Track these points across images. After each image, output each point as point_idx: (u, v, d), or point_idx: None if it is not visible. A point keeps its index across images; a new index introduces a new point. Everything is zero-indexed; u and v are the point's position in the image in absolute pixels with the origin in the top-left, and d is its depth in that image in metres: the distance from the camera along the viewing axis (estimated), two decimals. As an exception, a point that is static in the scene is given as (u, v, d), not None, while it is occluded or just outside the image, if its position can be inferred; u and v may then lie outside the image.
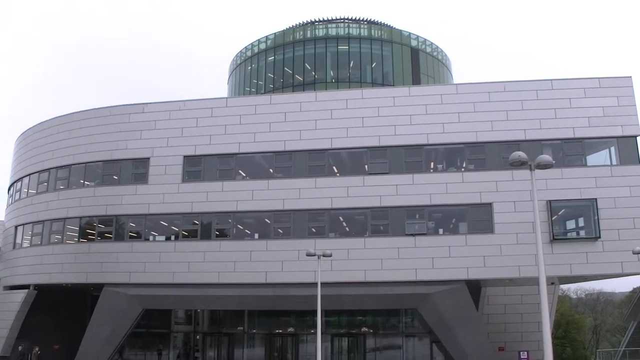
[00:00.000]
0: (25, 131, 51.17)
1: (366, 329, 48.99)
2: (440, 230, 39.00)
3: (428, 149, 39.80)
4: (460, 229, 39.00)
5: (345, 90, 44.96)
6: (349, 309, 44.80)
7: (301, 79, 58.48)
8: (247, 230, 41.39)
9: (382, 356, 48.19)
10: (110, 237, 42.70)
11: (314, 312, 28.56)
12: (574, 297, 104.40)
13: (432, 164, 40.76)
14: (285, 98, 42.70)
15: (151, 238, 42.12)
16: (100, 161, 43.73)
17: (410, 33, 61.02)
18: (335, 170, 40.84)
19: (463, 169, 39.76)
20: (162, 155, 41.80)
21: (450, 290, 37.12)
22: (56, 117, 47.49)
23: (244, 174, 41.65)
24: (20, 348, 45.57)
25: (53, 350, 46.61)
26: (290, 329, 49.09)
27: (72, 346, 42.63)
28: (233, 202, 40.16)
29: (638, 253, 31.02)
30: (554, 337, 70.22)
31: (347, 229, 40.50)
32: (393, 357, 48.19)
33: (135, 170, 42.52)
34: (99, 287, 41.85)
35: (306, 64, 58.83)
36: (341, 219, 40.32)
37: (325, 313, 44.56)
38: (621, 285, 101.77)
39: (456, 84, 45.22)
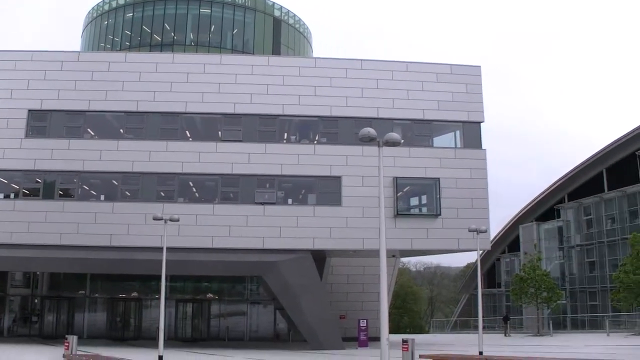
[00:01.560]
0: None
1: (211, 296, 49.12)
2: (290, 201, 39.60)
3: (282, 119, 40.17)
4: (309, 200, 39.81)
5: (203, 55, 44.45)
6: (195, 275, 44.70)
7: (159, 39, 56.97)
8: (93, 191, 40.07)
9: (227, 322, 48.57)
10: (-60, 192, 39.88)
11: (159, 277, 28.21)
12: (414, 270, 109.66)
13: (285, 134, 41.18)
14: (141, 57, 41.51)
15: (-12, 195, 39.82)
16: None
17: (274, 3, 60.97)
18: (188, 135, 40.34)
19: (315, 142, 40.50)
20: (4, 107, 39.25)
21: (295, 260, 37.82)
22: None
23: (92, 133, 40.18)
24: None
25: None
26: (134, 294, 48.25)
27: None
28: (79, 162, 38.50)
29: (474, 231, 32.91)
30: (393, 306, 73.61)
31: (196, 194, 40.22)
32: (237, 324, 48.72)
33: (-26, 122, 39.84)
34: None
35: (166, 24, 57.36)
36: (191, 184, 39.96)
37: (171, 278, 44.21)
38: (457, 261, 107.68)
39: (315, 58, 45.81)
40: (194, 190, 40.21)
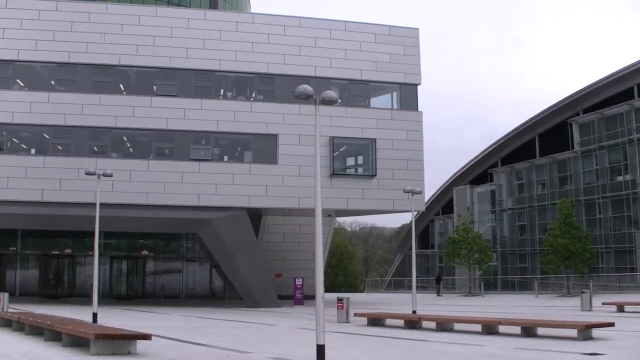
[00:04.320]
0: None
1: (146, 253, 48.67)
2: (225, 158, 39.35)
3: (219, 75, 39.68)
4: (245, 157, 39.63)
5: (138, 6, 43.09)
6: (130, 231, 44.13)
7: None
8: (23, 145, 38.89)
9: (162, 280, 48.29)
10: None
11: (93, 234, 27.66)
12: (349, 230, 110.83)
13: (222, 90, 40.67)
14: (72, 6, 39.79)
15: None
16: None
17: (212, -45, 59.53)
18: (122, 88, 39.39)
19: (252, 99, 40.13)
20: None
21: (231, 217, 37.71)
22: None
23: (22, 84, 38.84)
24: None
25: None
26: (68, 251, 47.40)
27: None
28: (8, 114, 37.16)
29: (409, 192, 33.29)
30: (329, 266, 74.47)
31: (131, 150, 39.48)
32: (172, 281, 48.50)
33: None
34: None
35: (99, -26, 55.40)
36: (125, 139, 39.19)
37: (105, 235, 43.44)
38: (392, 221, 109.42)
39: (253, 14, 45.15)
40: (128, 145, 39.47)
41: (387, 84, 41.40)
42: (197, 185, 37.44)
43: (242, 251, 38.07)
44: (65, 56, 37.97)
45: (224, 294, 46.68)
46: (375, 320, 26.53)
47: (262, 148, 39.08)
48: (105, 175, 27.44)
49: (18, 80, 38.78)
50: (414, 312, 29.96)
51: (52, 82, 38.77)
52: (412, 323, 24.96)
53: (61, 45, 37.86)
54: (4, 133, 37.86)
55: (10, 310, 24.88)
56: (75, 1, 39.18)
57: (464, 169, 77.71)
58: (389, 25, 41.90)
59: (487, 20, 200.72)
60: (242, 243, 38.05)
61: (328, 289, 45.06)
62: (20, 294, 42.82)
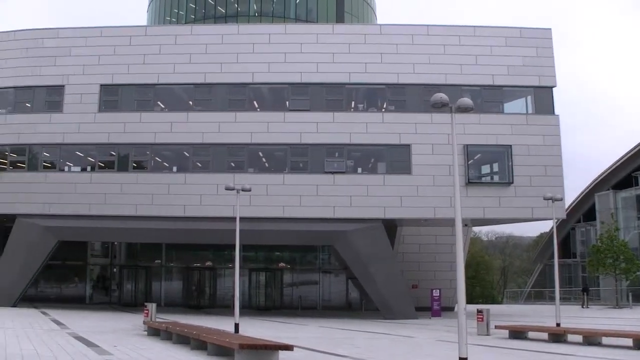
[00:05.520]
0: None
1: (283, 265, 49.59)
2: (359, 169, 39.44)
3: (349, 87, 39.92)
4: (379, 168, 39.57)
5: (268, 25, 44.37)
6: (267, 244, 45.11)
7: (223, 11, 57.22)
8: (165, 163, 40.83)
9: (299, 291, 48.98)
10: (23, 167, 41.33)
11: (232, 247, 28.51)
12: (485, 239, 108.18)
13: (353, 103, 40.92)
14: (206, 29, 41.92)
15: (66, 168, 41.04)
16: (12, 87, 41.88)
17: (337, -29, 60.26)
18: (256, 105, 40.54)
19: (383, 110, 40.10)
20: (77, 83, 40.32)
21: (366, 229, 37.73)
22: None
23: (162, 106, 40.83)
24: None
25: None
26: (209, 263, 49.19)
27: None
28: (151, 134, 39.31)
29: (548, 199, 32.05)
30: (465, 277, 72.66)
31: (266, 164, 40.48)
32: (310, 293, 49.04)
33: (49, 97, 40.98)
34: (11, 218, 40.58)
35: (229, -4, 57.60)
36: (261, 154, 40.23)
37: (243, 248, 44.61)
38: (530, 230, 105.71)
39: (380, 25, 45.21)
40: (264, 160, 40.45)
41: (520, 88, 40.15)
42: (332, 198, 37.79)
43: (377, 262, 37.97)
44: (201, 77, 39.58)
45: (361, 306, 46.68)
46: (517, 333, 25.66)
47: (395, 158, 38.90)
48: (244, 190, 28.25)
49: (159, 102, 40.76)
50: (558, 324, 28.75)
51: (190, 102, 40.46)
52: (557, 336, 23.95)
53: (197, 67, 39.55)
54: (148, 152, 39.92)
55: (157, 319, 25.96)
56: (209, 24, 40.78)
57: (606, 173, 74.01)
58: (520, 28, 40.74)
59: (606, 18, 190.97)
60: (377, 254, 37.96)
61: (465, 300, 44.04)
62: (166, 304, 44.72)
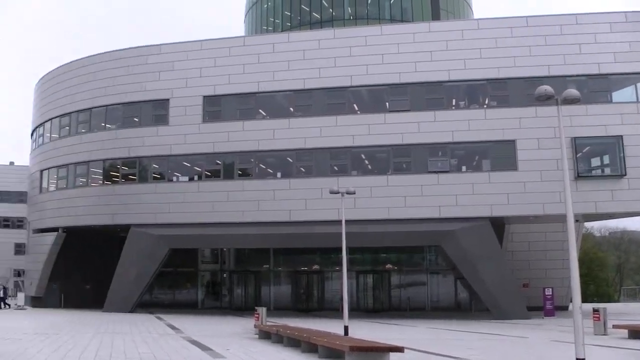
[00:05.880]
0: (44, 76, 51.28)
1: (390, 266, 49.40)
2: (463, 168, 38.76)
3: (449, 85, 39.28)
4: (484, 166, 38.76)
5: (364, 27, 44.32)
6: (373, 246, 45.08)
7: (318, 17, 57.76)
8: (269, 170, 41.45)
9: (407, 293, 48.64)
10: (134, 179, 43.08)
11: (338, 250, 28.60)
12: (598, 235, 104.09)
13: (453, 100, 40.27)
14: (303, 36, 42.25)
15: (174, 179, 42.41)
16: (120, 103, 43.77)
17: (430, -32, 59.64)
18: (356, 108, 40.53)
19: (485, 106, 39.23)
20: (181, 95, 41.69)
21: (473, 227, 37.07)
22: (74, 61, 47.43)
23: (264, 113, 41.53)
24: (54, 287, 47.08)
25: (86, 290, 47.82)
26: (316, 267, 49.64)
27: (102, 285, 43.46)
28: (254, 142, 40.13)
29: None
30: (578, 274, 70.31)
31: (369, 166, 40.40)
32: (418, 294, 48.62)
33: (155, 111, 42.57)
34: (125, 228, 42.36)
35: (323, 1, 58.03)
36: (363, 156, 40.17)
37: (350, 250, 44.76)
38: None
39: (477, 19, 44.35)
40: (367, 162, 40.40)
41: (629, 75, 38.34)
42: (437, 197, 37.35)
43: (486, 262, 37.20)
44: (300, 83, 40.04)
45: (470, 306, 45.85)
46: (638, 333, 24.47)
47: (500, 155, 38.03)
48: (348, 193, 28.28)
49: (260, 110, 41.49)
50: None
51: (291, 108, 40.97)
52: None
53: (296, 73, 40.06)
54: (252, 160, 40.69)
55: (268, 323, 26.35)
56: (305, 31, 41.23)
57: None
58: (625, 12, 38.96)
59: None
60: (485, 253, 37.20)
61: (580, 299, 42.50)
62: (275, 308, 45.43)
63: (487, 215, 37.15)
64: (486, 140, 38.14)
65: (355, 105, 40.59)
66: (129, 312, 40.92)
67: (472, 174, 38.29)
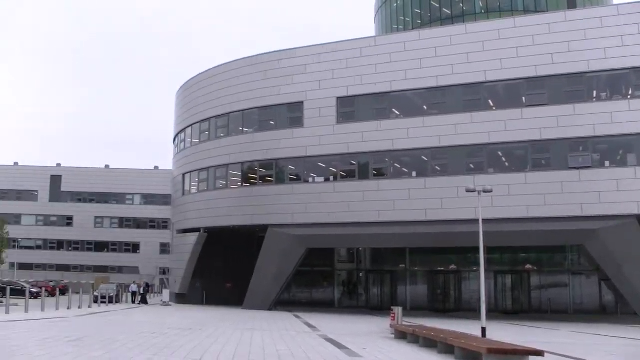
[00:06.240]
0: (185, 84, 53.75)
1: (530, 267, 47.86)
2: (607, 163, 36.91)
3: (590, 76, 37.48)
4: (629, 160, 36.66)
5: (496, 20, 43.16)
6: (512, 245, 43.88)
7: (449, 12, 57.00)
8: (404, 169, 41.28)
9: (548, 294, 46.96)
10: (271, 180, 44.22)
11: (476, 250, 28.02)
12: None
13: (594, 92, 38.43)
14: (434, 33, 41.69)
15: (310, 179, 43.15)
16: (256, 108, 45.11)
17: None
18: (491, 104, 39.54)
19: (629, 97, 37.16)
20: (315, 98, 42.42)
21: (619, 226, 35.18)
22: (212, 68, 49.46)
23: (398, 112, 41.42)
24: (197, 285, 49.33)
25: (226, 288, 49.69)
26: (453, 267, 48.94)
27: (242, 284, 44.98)
28: (389, 141, 40.14)
29: None
30: None
31: (506, 164, 39.29)
32: (559, 295, 46.82)
33: (291, 114, 43.56)
34: (263, 228, 43.58)
35: (453, -4, 57.20)
36: (500, 153, 39.10)
37: (487, 250, 43.76)
38: None
39: (617, 5, 42.10)
40: (503, 159, 39.33)
41: None
42: (578, 195, 35.78)
43: (633, 262, 35.13)
44: (433, 81, 39.60)
45: (616, 309, 43.55)
46: None
47: (647, 148, 35.94)
48: (485, 191, 27.67)
49: (394, 110, 41.40)
50: None
51: (425, 106, 40.59)
52: None
53: (428, 71, 39.72)
54: (387, 159, 40.69)
55: (404, 323, 26.22)
56: (436, 27, 40.75)
57: None
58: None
59: None
60: (632, 253, 35.11)
61: None
62: (411, 308, 45.14)
63: (634, 212, 35.15)
64: (631, 133, 36.04)
65: (490, 101, 39.63)
66: (268, 309, 42.09)
67: (616, 170, 36.32)
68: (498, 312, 44.21)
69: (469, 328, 25.34)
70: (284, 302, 46.83)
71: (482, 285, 26.83)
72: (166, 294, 51.54)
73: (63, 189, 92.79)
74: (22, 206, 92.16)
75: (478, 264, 27.09)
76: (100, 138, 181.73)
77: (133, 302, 50.76)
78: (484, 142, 38.24)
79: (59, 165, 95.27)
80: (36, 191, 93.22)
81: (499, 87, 39.45)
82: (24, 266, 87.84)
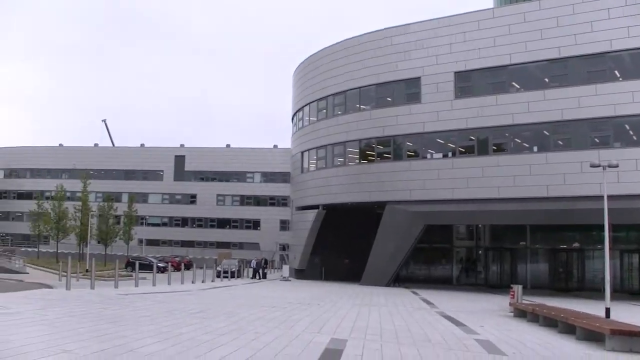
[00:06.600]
0: (301, 63, 54.42)
1: (659, 245, 45.58)
2: None
3: None
4: None
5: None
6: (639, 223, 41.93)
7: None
8: (524, 144, 40.15)
9: (679, 274, 44.63)
10: (389, 157, 44.26)
11: (600, 227, 26.96)
12: None
13: None
14: (555, 2, 39.95)
15: (428, 156, 42.85)
16: (373, 84, 45.14)
17: None
18: (617, 75, 37.66)
19: None
20: (432, 73, 41.95)
21: None
22: (328, 47, 49.81)
23: (517, 86, 40.29)
24: (315, 261, 50.32)
25: (344, 264, 50.39)
26: (575, 244, 47.31)
27: (360, 260, 45.44)
28: (508, 116, 39.16)
29: None
30: None
31: (634, 137, 37.41)
32: (692, 276, 44.39)
33: (408, 90, 43.29)
34: (381, 205, 43.75)
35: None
36: (627, 127, 37.30)
37: (613, 228, 42.06)
38: None
39: None
40: (631, 133, 37.49)
41: None
42: None
43: None
44: (555, 52, 38.17)
45: None
46: None
47: None
48: (610, 166, 26.56)
49: (513, 83, 40.30)
50: None
51: (546, 79, 39.24)
52: None
53: (549, 42, 38.27)
54: (507, 134, 39.75)
55: (524, 301, 25.77)
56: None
57: None
58: None
59: None
60: None
61: None
62: (531, 287, 44.10)
63: None
64: None
65: (616, 71, 37.76)
66: (385, 285, 42.34)
67: None
68: (623, 293, 42.41)
69: (591, 308, 24.62)
70: (402, 279, 46.91)
71: (606, 264, 25.87)
72: (286, 269, 52.85)
73: (187, 168, 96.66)
74: (148, 185, 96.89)
75: (602, 242, 26.10)
76: (220, 118, 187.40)
77: (253, 276, 52.34)
78: (609, 115, 36.54)
79: (182, 145, 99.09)
80: (162, 171, 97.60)
81: (625, 57, 37.45)
82: (151, 242, 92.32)
